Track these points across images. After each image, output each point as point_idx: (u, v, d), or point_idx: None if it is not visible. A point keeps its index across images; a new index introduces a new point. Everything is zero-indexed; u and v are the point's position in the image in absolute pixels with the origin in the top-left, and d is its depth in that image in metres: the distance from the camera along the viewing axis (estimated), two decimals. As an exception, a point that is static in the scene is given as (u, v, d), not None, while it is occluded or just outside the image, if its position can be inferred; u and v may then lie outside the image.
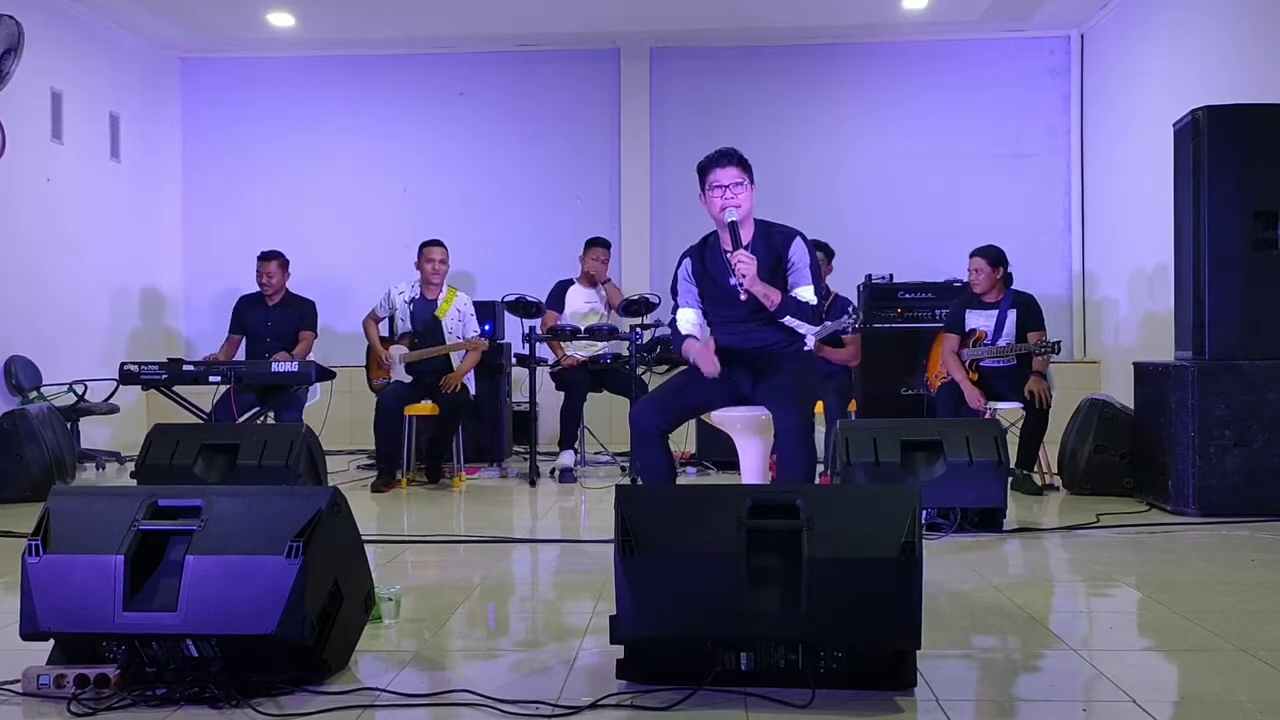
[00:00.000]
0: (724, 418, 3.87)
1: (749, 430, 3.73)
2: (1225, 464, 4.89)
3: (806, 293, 3.74)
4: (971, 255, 6.12)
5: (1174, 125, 5.36)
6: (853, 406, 6.27)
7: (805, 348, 3.81)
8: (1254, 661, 2.73)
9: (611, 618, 2.54)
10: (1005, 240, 6.66)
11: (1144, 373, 5.47)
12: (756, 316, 3.84)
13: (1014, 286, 6.10)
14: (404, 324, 6.52)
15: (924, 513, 4.49)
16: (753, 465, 3.75)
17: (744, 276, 3.74)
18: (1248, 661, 2.74)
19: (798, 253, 3.75)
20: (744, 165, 3.86)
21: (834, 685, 2.48)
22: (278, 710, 2.42)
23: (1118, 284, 8.37)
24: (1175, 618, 3.24)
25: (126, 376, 5.94)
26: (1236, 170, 5.01)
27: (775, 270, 3.82)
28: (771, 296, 3.75)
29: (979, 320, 6.08)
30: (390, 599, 3.22)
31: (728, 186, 3.81)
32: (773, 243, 3.80)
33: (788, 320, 3.78)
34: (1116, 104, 8.38)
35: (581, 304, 6.92)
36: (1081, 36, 8.98)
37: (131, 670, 2.55)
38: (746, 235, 3.89)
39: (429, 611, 3.48)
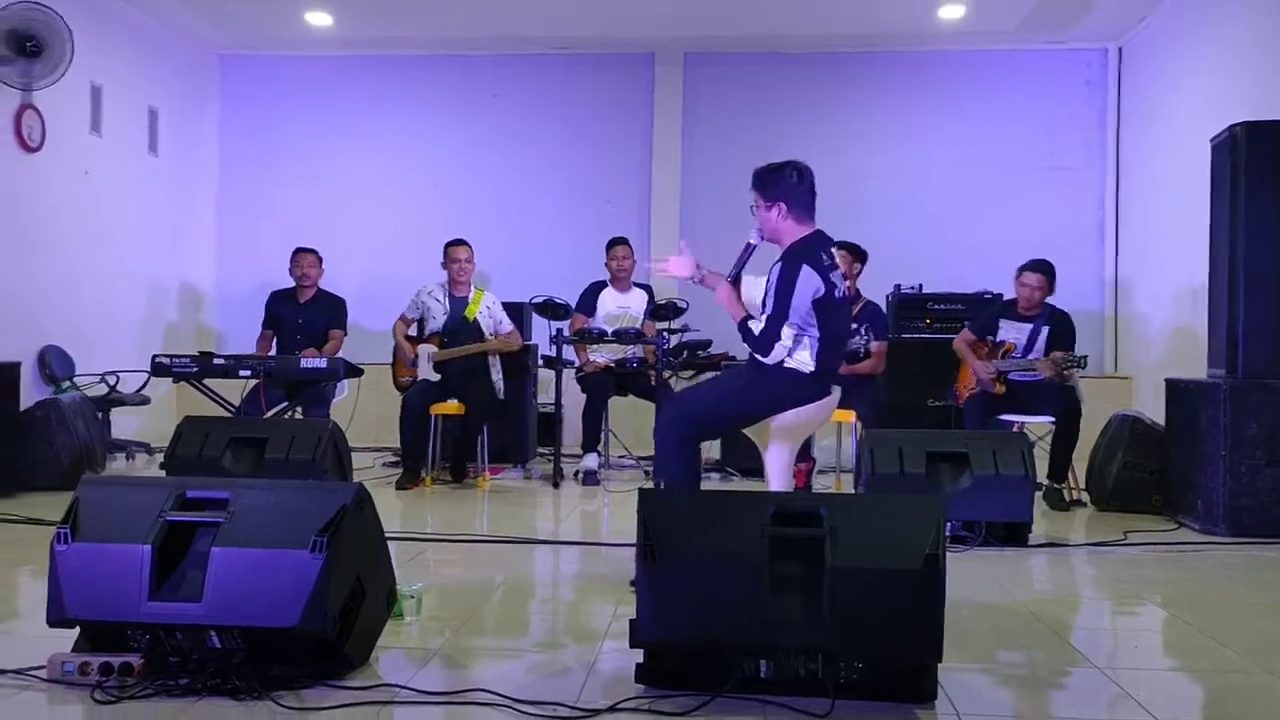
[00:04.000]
0: (785, 423, 3.83)
1: (773, 437, 3.72)
2: (1256, 483, 4.83)
3: (757, 323, 3.66)
4: (1027, 269, 6.01)
5: (1212, 141, 5.31)
6: (847, 416, 6.19)
7: (783, 364, 3.67)
8: (1281, 685, 2.69)
9: (631, 621, 2.54)
10: (1039, 252, 6.59)
11: (1176, 390, 5.41)
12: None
13: (1049, 301, 6.05)
14: (433, 323, 6.55)
15: (948, 525, 4.55)
16: (777, 472, 3.74)
17: (719, 299, 3.82)
18: (1274, 685, 2.71)
19: (770, 277, 3.69)
20: (755, 184, 3.77)
21: (854, 696, 2.47)
22: (298, 703, 2.43)
23: (1151, 299, 8.29)
24: (1202, 639, 3.20)
25: (158, 368, 6.00)
26: (1275, 187, 4.94)
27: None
28: (734, 316, 3.76)
29: (1011, 332, 6.04)
30: (412, 596, 3.24)
31: (751, 208, 3.80)
32: (773, 266, 3.75)
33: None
34: (1154, 118, 8.30)
35: (614, 307, 6.92)
36: (1119, 50, 8.90)
37: (155, 660, 2.57)
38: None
39: (451, 610, 3.49)
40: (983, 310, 6.75)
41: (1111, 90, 8.93)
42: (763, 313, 3.67)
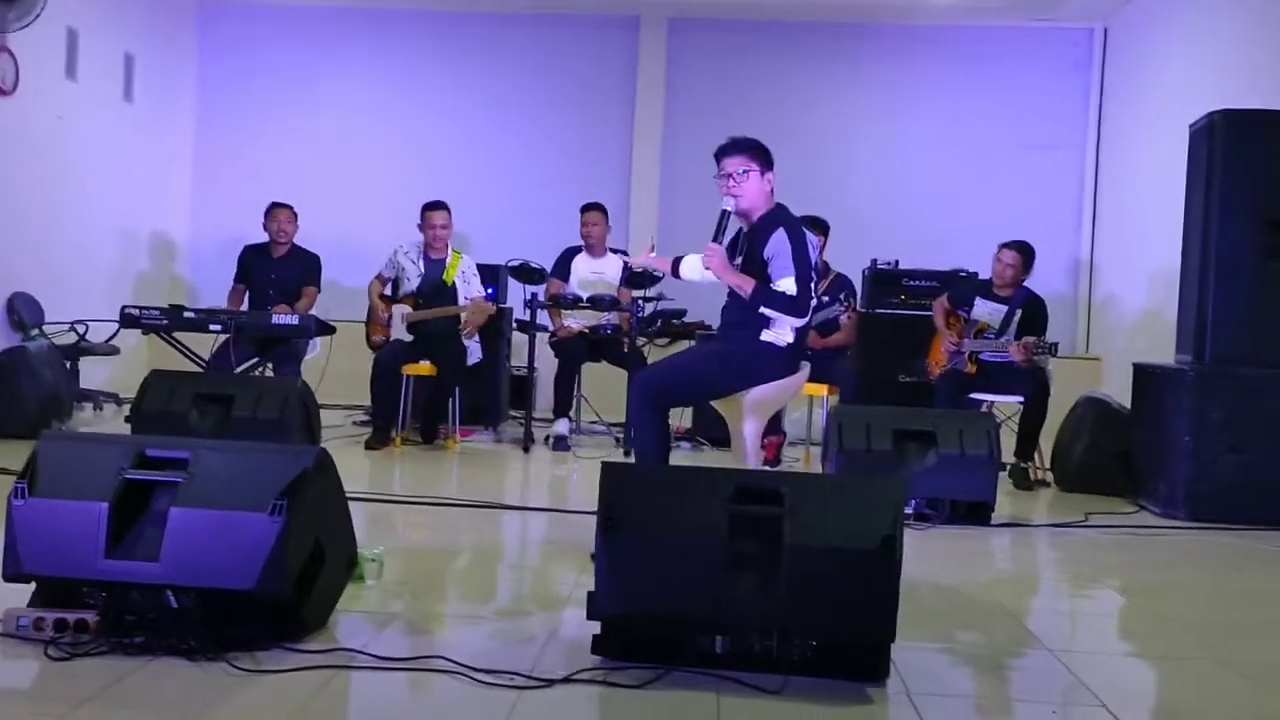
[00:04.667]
0: (760, 396, 3.84)
1: (744, 410, 3.72)
2: (1217, 470, 4.88)
3: (785, 284, 3.66)
4: (1003, 247, 6.05)
5: (1191, 126, 5.32)
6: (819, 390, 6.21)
7: (759, 336, 3.70)
8: (1232, 675, 2.74)
9: (590, 593, 2.55)
10: (1017, 231, 6.61)
11: (1143, 374, 5.46)
12: (734, 299, 3.83)
13: (1026, 284, 6.07)
14: (408, 284, 6.52)
15: (913, 503, 4.59)
16: (747, 446, 3.75)
17: (709, 269, 3.78)
18: (1225, 675, 2.75)
19: (776, 244, 3.68)
20: (754, 151, 3.79)
21: (807, 673, 2.49)
22: (253, 665, 2.44)
23: (1125, 282, 8.33)
24: (1157, 624, 3.25)
25: (127, 319, 5.94)
26: (1250, 175, 4.97)
27: (761, 261, 3.77)
28: (744, 287, 3.73)
29: (986, 312, 6.06)
30: (373, 560, 3.24)
31: (731, 175, 3.78)
32: (763, 233, 3.76)
33: (766, 310, 3.72)
34: (1135, 100, 8.30)
35: (588, 273, 6.90)
36: (1105, 30, 8.88)
37: (111, 618, 2.57)
38: (753, 222, 3.85)
39: (414, 574, 3.50)
40: (961, 284, 6.77)
41: (1096, 71, 8.92)
42: (774, 277, 3.69)
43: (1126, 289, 8.28)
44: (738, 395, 3.72)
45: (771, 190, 3.82)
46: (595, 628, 2.59)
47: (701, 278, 4.02)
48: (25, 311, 7.16)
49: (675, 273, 4.20)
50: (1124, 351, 7.87)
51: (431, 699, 2.37)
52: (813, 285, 3.74)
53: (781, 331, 3.68)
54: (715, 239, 3.77)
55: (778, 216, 3.76)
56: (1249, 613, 3.46)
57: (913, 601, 3.29)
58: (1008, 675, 2.74)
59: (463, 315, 6.42)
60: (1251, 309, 4.95)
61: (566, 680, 2.44)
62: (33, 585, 2.63)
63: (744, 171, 3.75)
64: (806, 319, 3.73)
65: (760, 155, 3.80)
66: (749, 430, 3.70)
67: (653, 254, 4.33)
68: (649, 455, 3.65)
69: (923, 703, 2.42)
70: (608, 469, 2.64)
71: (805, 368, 3.81)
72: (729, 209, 3.78)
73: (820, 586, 2.47)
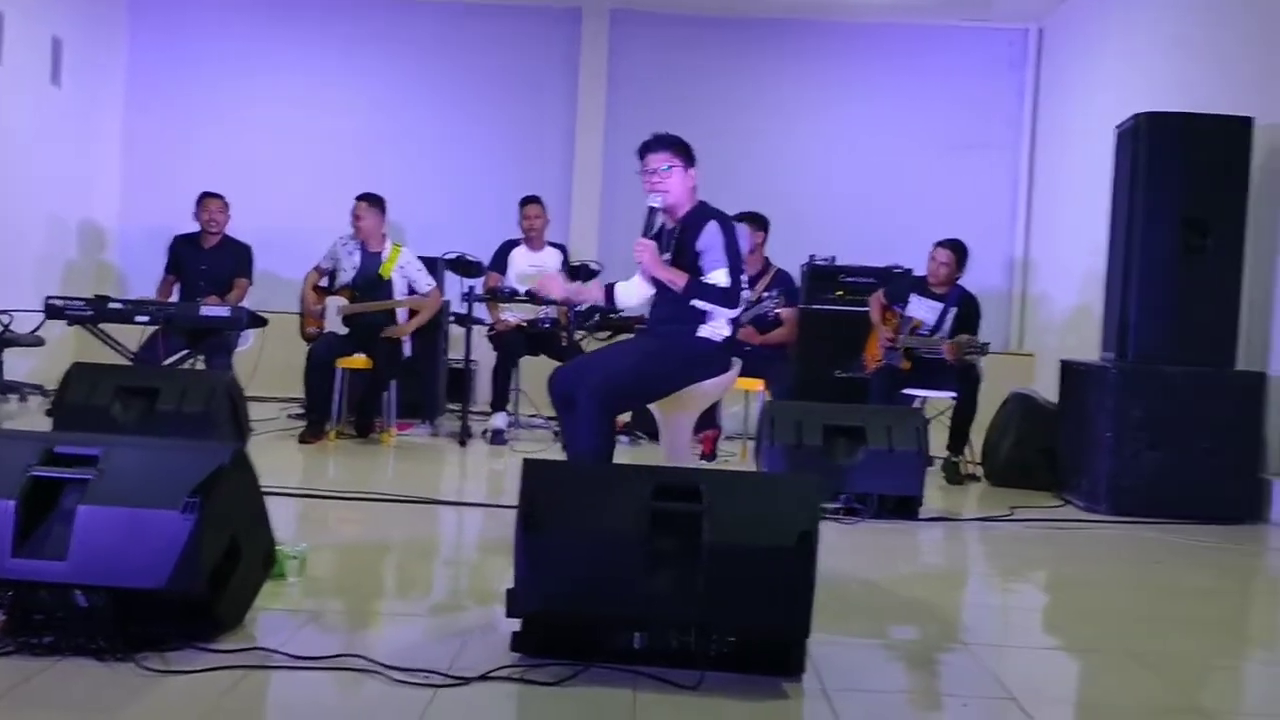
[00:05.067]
0: (696, 392, 3.84)
1: (676, 407, 3.74)
2: (1138, 465, 4.98)
3: (717, 276, 3.70)
4: (937, 245, 6.12)
5: (1117, 128, 5.42)
6: (756, 385, 6.24)
7: (696, 332, 3.73)
8: (1140, 668, 2.80)
9: (508, 591, 2.55)
10: (952, 228, 6.70)
11: (1068, 371, 5.56)
12: (664, 296, 3.85)
13: (961, 282, 6.14)
14: (344, 276, 6.45)
15: (842, 497, 4.64)
16: (677, 442, 3.76)
17: (640, 264, 3.80)
18: (1134, 667, 2.81)
19: (708, 237, 3.71)
20: (676, 148, 3.81)
21: (725, 668, 2.51)
22: (163, 665, 2.40)
23: (1057, 280, 8.48)
24: (1071, 617, 3.32)
25: (51, 310, 5.80)
26: (1173, 176, 5.07)
27: (692, 254, 3.79)
28: (677, 281, 3.75)
29: (921, 309, 6.12)
30: (295, 557, 3.20)
31: (655, 171, 3.80)
32: (694, 227, 3.78)
33: (699, 303, 3.74)
34: (1068, 101, 8.44)
35: (526, 266, 6.86)
36: (1040, 30, 9.02)
37: (18, 617, 2.51)
38: (679, 217, 3.87)
39: (341, 571, 3.47)
40: (898, 280, 6.85)
41: (1031, 70, 9.07)
42: (705, 270, 3.71)
43: (1059, 287, 8.43)
44: (687, 392, 3.74)
45: (694, 186, 3.84)
46: (518, 625, 2.59)
47: (639, 301, 4.03)
48: (-54, 301, 6.96)
49: (610, 300, 4.15)
50: (1056, 349, 8.01)
51: (344, 699, 2.35)
52: (742, 277, 3.76)
53: (717, 326, 3.71)
54: (649, 233, 3.78)
55: (705, 211, 3.79)
56: (1163, 606, 3.54)
57: (835, 596, 3.34)
58: (923, 669, 2.78)
59: (397, 312, 6.36)
60: (1172, 308, 5.06)
61: (483, 678, 2.43)
62: (-64, 585, 2.56)
63: (668, 168, 3.78)
64: (738, 311, 3.76)
65: (682, 151, 3.82)
66: (680, 426, 3.71)
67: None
68: (598, 457, 3.63)
69: (837, 697, 2.45)
70: (529, 465, 2.64)
71: (737, 364, 3.83)
72: (656, 205, 3.79)
73: (737, 583, 2.49)
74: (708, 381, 3.69)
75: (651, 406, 3.97)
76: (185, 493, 2.49)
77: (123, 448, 2.61)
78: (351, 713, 2.29)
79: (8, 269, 7.72)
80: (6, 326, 7.08)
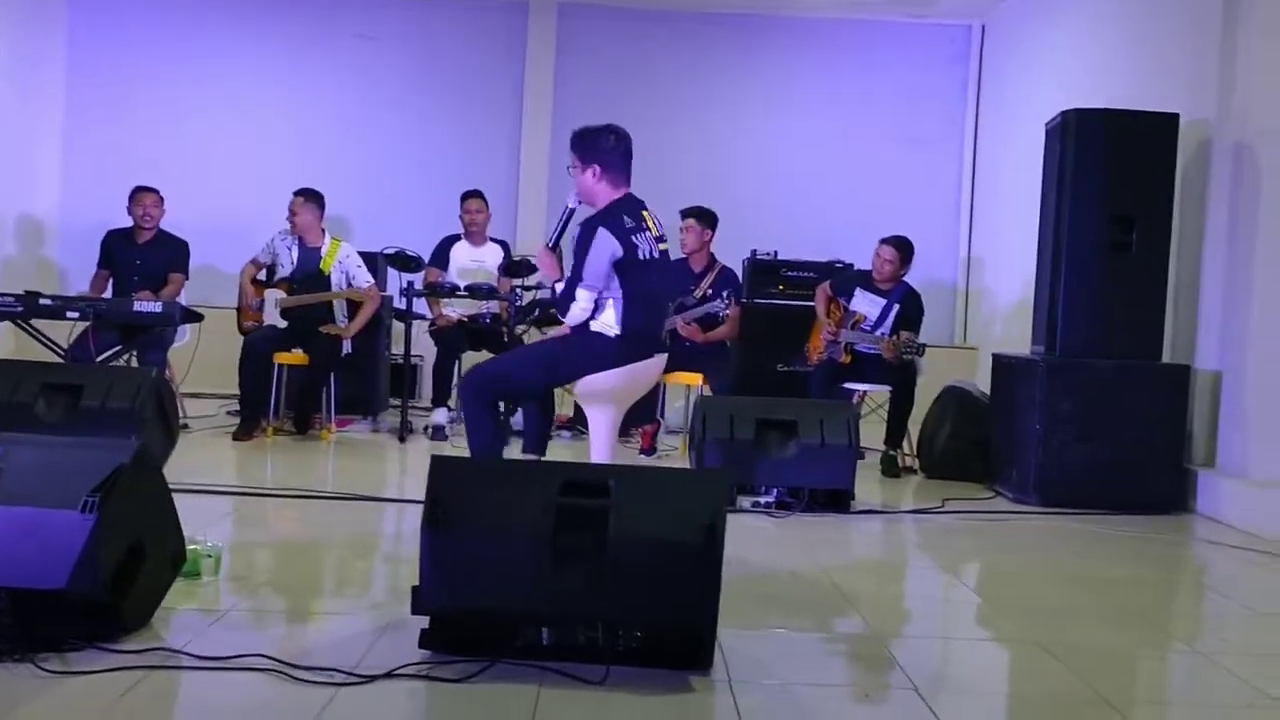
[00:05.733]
0: (591, 387, 3.84)
1: (591, 402, 3.75)
2: (1067, 457, 5.05)
3: (560, 284, 3.76)
4: (883, 242, 6.16)
5: (1046, 125, 5.49)
6: (696, 379, 6.25)
7: (589, 327, 3.73)
8: (1049, 658, 2.83)
9: (414, 588, 2.54)
10: (896, 223, 6.76)
11: (1000, 364, 5.63)
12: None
13: (907, 278, 6.19)
14: (282, 270, 6.40)
15: (774, 491, 4.67)
16: (598, 437, 3.76)
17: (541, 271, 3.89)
18: (1043, 657, 2.85)
19: (575, 241, 3.75)
20: (574, 146, 3.81)
21: (632, 663, 2.52)
22: (62, 666, 2.37)
23: (999, 274, 8.57)
24: (988, 609, 3.37)
25: (-21, 306, 5.71)
26: (1099, 173, 5.14)
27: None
28: (551, 280, 3.87)
29: (865, 304, 6.16)
30: (210, 555, 3.17)
31: (569, 169, 3.82)
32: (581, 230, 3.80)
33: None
34: (1009, 97, 8.53)
35: (467, 261, 6.84)
36: (983, 27, 9.10)
37: (-85, 619, 2.47)
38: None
39: (261, 569, 3.45)
40: (844, 274, 6.89)
41: (973, 66, 9.15)
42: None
43: (1000, 281, 8.52)
44: (583, 387, 3.74)
45: (603, 182, 3.78)
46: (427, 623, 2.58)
47: None
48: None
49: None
50: (998, 342, 8.10)
51: (241, 698, 2.33)
52: (578, 285, 3.70)
53: (607, 319, 3.70)
54: (554, 233, 3.80)
55: (593, 215, 3.78)
56: (1078, 596, 3.60)
57: (759, 589, 3.37)
58: (832, 661, 2.81)
59: (337, 309, 6.32)
60: (1099, 302, 5.14)
61: (388, 675, 2.43)
62: None
63: (570, 168, 3.79)
64: (565, 317, 3.77)
65: (578, 149, 3.81)
66: (599, 422, 3.71)
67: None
68: (483, 450, 3.66)
69: (741, 689, 2.47)
70: (435, 462, 2.64)
71: (658, 358, 3.83)
72: (570, 205, 3.81)
73: (644, 577, 2.50)
74: (604, 374, 3.69)
75: (581, 404, 3.97)
76: (85, 492, 2.46)
77: (22, 446, 2.58)
78: (248, 712, 2.27)
79: (-60, 264, 7.58)
80: (-62, 322, 6.96)
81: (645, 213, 3.83)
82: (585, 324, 3.69)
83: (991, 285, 8.76)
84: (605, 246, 3.64)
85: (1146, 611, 3.52)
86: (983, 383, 6.46)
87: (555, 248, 3.85)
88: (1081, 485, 5.04)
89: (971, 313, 9.15)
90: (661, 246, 3.83)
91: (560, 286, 3.73)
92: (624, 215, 3.73)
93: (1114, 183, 5.13)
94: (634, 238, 3.70)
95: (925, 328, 6.23)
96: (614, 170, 3.77)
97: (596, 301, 3.67)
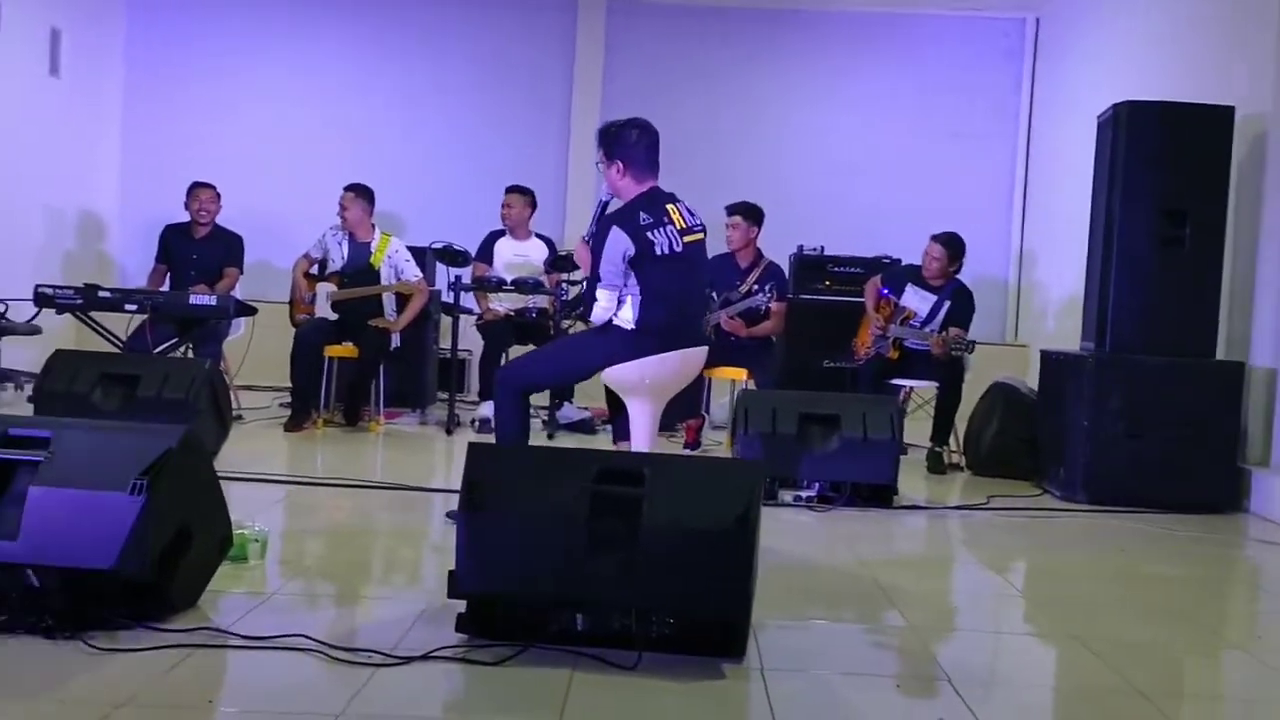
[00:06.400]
0: (613, 378, 3.88)
1: (623, 395, 3.77)
2: (1116, 455, 4.98)
3: (589, 283, 3.78)
4: (932, 239, 6.12)
5: (1098, 117, 5.41)
6: (741, 374, 6.24)
7: (612, 320, 3.75)
8: (1081, 649, 2.81)
9: (450, 572, 2.59)
10: (946, 218, 6.70)
11: (1048, 360, 5.57)
12: None
13: (960, 275, 6.14)
14: (334, 266, 6.51)
15: (816, 486, 4.67)
16: (637, 431, 3.78)
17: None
18: (1076, 649, 2.83)
19: (596, 243, 3.77)
20: (599, 142, 3.81)
21: (665, 650, 2.54)
22: (109, 644, 2.45)
23: (1053, 270, 8.45)
24: (1023, 603, 3.34)
25: (41, 299, 5.89)
26: (1151, 166, 5.06)
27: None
28: (585, 270, 3.88)
29: (915, 300, 6.12)
30: (256, 540, 3.25)
31: (597, 165, 3.84)
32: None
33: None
34: (1062, 90, 8.41)
35: (511, 255, 6.90)
36: (1038, 20, 8.99)
37: (-28, 597, 2.57)
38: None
39: (308, 554, 3.52)
40: (896, 269, 6.84)
41: (1027, 60, 9.02)
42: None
43: (1054, 277, 8.40)
44: (609, 379, 3.77)
45: (627, 177, 3.77)
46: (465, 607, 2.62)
47: None
48: (-57, 290, 7.04)
49: None
50: (1050, 339, 8.00)
51: (283, 676, 2.39)
52: (598, 284, 3.72)
53: (625, 315, 3.70)
54: (590, 228, 3.83)
55: (611, 212, 3.80)
56: (1121, 592, 3.56)
57: (793, 581, 3.38)
58: (866, 652, 2.81)
59: (386, 303, 6.42)
60: (1150, 298, 5.06)
61: (424, 657, 2.48)
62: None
63: (598, 164, 3.82)
64: (589, 317, 3.80)
65: (603, 144, 3.80)
66: (636, 415, 3.74)
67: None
68: (510, 439, 3.71)
69: (774, 678, 2.48)
70: (473, 449, 2.68)
71: (689, 351, 3.82)
72: (604, 199, 3.84)
73: (677, 565, 2.52)
74: (628, 364, 3.70)
75: (620, 394, 3.99)
76: (134, 474, 2.53)
77: (74, 430, 2.66)
78: (288, 690, 2.32)
79: (5, 260, 7.79)
80: (2, 315, 7.16)
81: (671, 205, 3.80)
82: (609, 320, 3.72)
83: (1044, 281, 8.64)
84: (617, 244, 3.65)
85: (1190, 609, 3.46)
86: (1033, 380, 6.40)
87: (589, 242, 3.88)
88: (1131, 483, 4.96)
89: (1023, 310, 9.04)
90: (689, 239, 3.79)
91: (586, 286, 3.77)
92: (640, 211, 3.71)
93: (1167, 176, 5.04)
94: (650, 234, 3.68)
95: (975, 324, 6.17)
96: (638, 164, 3.76)
97: (619, 298, 3.68)
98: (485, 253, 6.90)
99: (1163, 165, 5.05)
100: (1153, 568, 3.94)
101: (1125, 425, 4.99)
